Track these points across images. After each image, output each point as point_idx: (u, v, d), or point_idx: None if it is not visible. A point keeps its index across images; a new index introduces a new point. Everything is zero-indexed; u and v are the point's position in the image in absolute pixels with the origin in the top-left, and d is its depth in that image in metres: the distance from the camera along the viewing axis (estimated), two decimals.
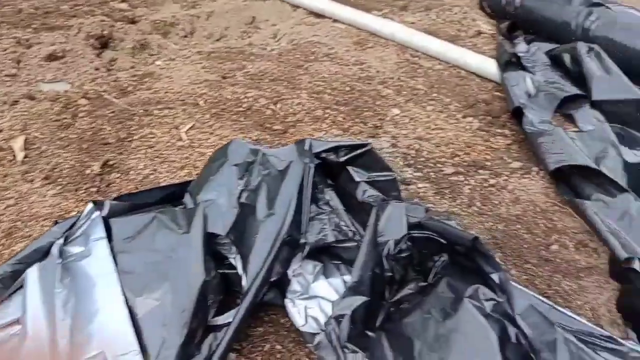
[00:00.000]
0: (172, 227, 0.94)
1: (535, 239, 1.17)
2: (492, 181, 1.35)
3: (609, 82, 1.51)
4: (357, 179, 1.02)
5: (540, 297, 0.95)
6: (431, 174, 1.38)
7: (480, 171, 1.39)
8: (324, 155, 1.03)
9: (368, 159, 1.04)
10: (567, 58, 1.66)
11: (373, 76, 1.80)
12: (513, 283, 0.95)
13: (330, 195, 1.03)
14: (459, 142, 1.49)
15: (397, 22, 2.07)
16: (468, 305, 0.78)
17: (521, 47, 1.85)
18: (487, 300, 0.79)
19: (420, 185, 1.34)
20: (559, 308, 0.93)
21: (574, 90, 1.56)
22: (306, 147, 1.01)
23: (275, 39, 2.09)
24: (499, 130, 1.56)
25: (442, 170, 1.39)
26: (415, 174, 1.38)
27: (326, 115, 1.59)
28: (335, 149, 1.03)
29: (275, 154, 1.03)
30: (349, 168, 1.03)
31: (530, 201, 1.28)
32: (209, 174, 1.02)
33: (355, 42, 2.00)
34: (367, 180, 1.02)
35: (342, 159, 1.03)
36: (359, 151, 1.03)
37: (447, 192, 1.32)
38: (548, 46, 1.78)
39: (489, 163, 1.42)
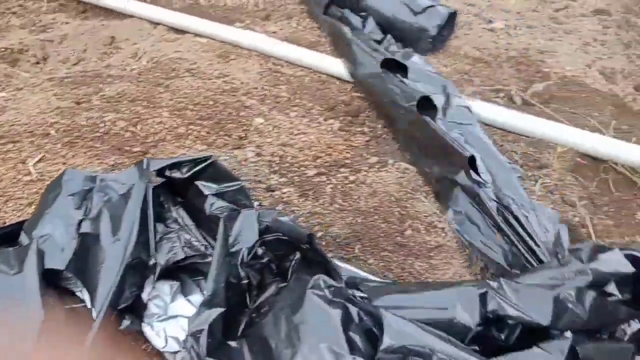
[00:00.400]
0: (2, 269, 0.87)
1: (391, 227, 1.25)
2: (352, 178, 1.42)
3: None
4: (205, 192, 1.02)
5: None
6: (295, 178, 1.42)
7: (342, 170, 1.46)
8: (167, 173, 1.01)
9: (214, 171, 1.05)
10: None
11: (237, 88, 1.81)
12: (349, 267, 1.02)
13: (178, 212, 1.02)
14: (321, 144, 1.55)
15: (259, 33, 2.10)
16: (310, 296, 0.81)
17: None
18: (327, 287, 0.82)
19: (285, 190, 1.37)
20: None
21: None
22: (145, 167, 0.99)
23: (135, 58, 2.02)
24: (359, 129, 1.65)
25: (306, 173, 1.43)
26: (280, 179, 1.41)
27: (189, 132, 1.57)
28: (177, 165, 1.02)
29: (116, 179, 1.00)
30: (198, 183, 1.03)
31: (386, 192, 1.36)
32: (44, 207, 0.96)
33: (218, 55, 2.00)
34: (216, 192, 1.02)
35: (187, 174, 1.02)
36: (202, 165, 1.03)
37: (311, 194, 1.36)
38: None
39: (349, 161, 1.49)
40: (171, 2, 2.41)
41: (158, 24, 2.22)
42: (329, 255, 1.10)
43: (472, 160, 1.23)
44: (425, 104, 1.47)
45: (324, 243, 1.21)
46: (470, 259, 1.17)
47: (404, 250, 1.19)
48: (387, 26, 2.09)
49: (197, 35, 2.13)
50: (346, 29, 1.97)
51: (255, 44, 2.00)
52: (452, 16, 2.26)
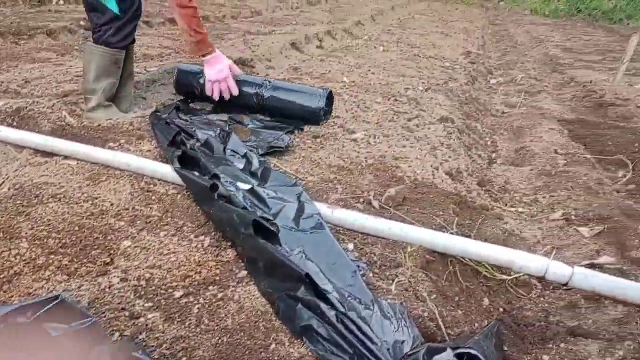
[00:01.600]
0: None
1: (256, 343, 1.28)
2: (220, 295, 1.45)
3: None
4: (52, 335, 0.99)
5: None
6: (162, 301, 1.41)
7: (210, 287, 1.48)
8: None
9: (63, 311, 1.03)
10: None
11: (106, 210, 1.81)
12: None
13: None
14: (190, 263, 1.58)
15: (130, 153, 2.15)
16: None
17: None
18: None
19: (150, 315, 1.35)
20: None
21: None
22: None
23: None
24: (229, 243, 1.71)
25: (173, 295, 1.44)
26: (145, 304, 1.39)
27: (50, 262, 1.51)
28: (20, 310, 0.99)
29: None
30: (45, 326, 1.00)
31: (252, 307, 1.40)
32: None
33: (87, 178, 2.00)
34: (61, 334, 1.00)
35: (31, 319, 0.99)
36: (49, 306, 1.01)
37: (177, 317, 1.36)
38: None
39: (218, 277, 1.53)
40: (39, 124, 2.40)
41: (24, 147, 2.19)
42: None
43: (308, 276, 1.34)
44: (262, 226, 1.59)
45: None
46: None
47: None
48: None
49: (66, 157, 2.12)
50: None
51: (127, 163, 2.04)
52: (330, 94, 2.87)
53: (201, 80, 2.80)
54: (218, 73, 2.67)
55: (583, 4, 12.31)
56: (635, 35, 4.11)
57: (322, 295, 1.31)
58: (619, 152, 3.24)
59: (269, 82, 2.84)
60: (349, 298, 1.35)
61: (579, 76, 5.28)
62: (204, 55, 2.60)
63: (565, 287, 1.72)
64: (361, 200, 2.04)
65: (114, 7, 2.40)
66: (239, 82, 2.78)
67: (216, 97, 2.76)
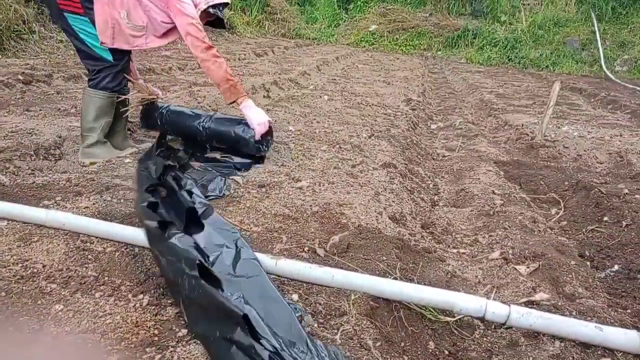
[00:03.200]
0: None
1: None
2: (157, 357, 1.39)
3: None
4: None
5: None
6: None
7: (147, 349, 1.42)
8: None
9: None
10: None
11: (38, 272, 1.72)
12: None
13: None
14: (127, 324, 1.51)
15: (65, 211, 2.08)
16: None
17: None
18: None
19: None
20: None
21: None
22: None
23: None
24: (170, 300, 1.65)
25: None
26: None
27: None
28: None
29: None
30: None
31: None
32: None
33: (18, 239, 1.90)
34: None
35: None
36: None
37: None
38: None
39: (157, 338, 1.47)
40: None
41: None
42: None
43: (246, 318, 1.33)
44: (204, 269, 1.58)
45: None
46: None
47: None
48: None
49: None
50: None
51: (60, 222, 1.96)
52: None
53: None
54: (262, 116, 2.91)
55: (513, 53, 13.28)
56: (557, 82, 4.46)
57: (257, 337, 1.30)
58: (551, 191, 3.44)
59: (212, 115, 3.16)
60: (285, 340, 1.34)
61: (512, 120, 5.63)
62: (239, 100, 2.84)
63: (505, 326, 1.77)
64: (306, 249, 2.05)
65: (108, 56, 2.74)
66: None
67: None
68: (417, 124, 5.22)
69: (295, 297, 1.72)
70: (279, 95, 5.96)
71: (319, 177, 2.92)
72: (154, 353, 1.40)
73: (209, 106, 4.50)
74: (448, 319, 1.84)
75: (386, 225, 2.41)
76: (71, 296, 1.61)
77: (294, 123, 4.30)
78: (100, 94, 2.79)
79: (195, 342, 1.46)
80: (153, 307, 1.60)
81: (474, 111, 6.52)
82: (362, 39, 15.08)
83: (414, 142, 4.37)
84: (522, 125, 5.29)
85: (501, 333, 1.80)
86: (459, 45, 14.38)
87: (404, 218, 2.65)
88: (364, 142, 3.85)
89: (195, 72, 6.63)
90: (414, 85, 7.68)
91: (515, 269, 2.20)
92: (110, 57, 2.74)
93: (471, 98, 7.60)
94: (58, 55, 6.74)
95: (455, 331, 1.83)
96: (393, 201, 2.75)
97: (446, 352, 1.75)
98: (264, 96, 5.73)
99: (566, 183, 3.53)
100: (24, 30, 6.78)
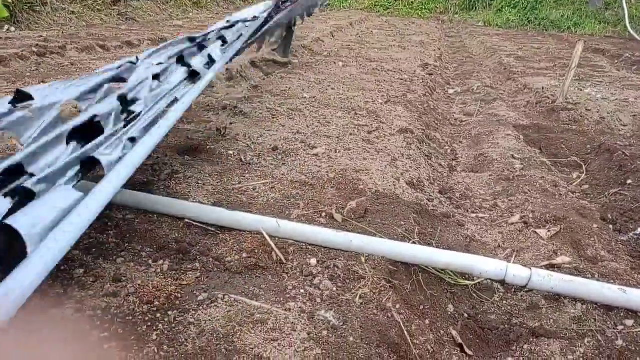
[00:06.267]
0: None
1: None
2: (180, 319, 1.41)
3: None
4: None
5: None
6: (119, 330, 1.36)
7: (170, 312, 1.44)
8: None
9: None
10: None
11: None
12: None
13: None
14: (149, 288, 1.53)
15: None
16: None
17: None
18: None
19: (106, 345, 1.30)
20: None
21: None
22: None
23: None
24: (190, 266, 1.67)
25: (132, 321, 1.39)
26: (102, 335, 1.34)
27: None
28: None
29: None
30: None
31: (213, 330, 1.37)
32: None
33: None
34: None
35: None
36: None
37: (135, 344, 1.31)
38: None
39: (178, 302, 1.49)
40: None
41: None
42: None
43: None
44: None
45: None
46: None
47: None
48: None
49: None
50: None
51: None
52: None
53: None
54: None
55: (533, 15, 12.84)
56: (580, 42, 4.30)
57: None
58: (573, 155, 3.37)
59: None
60: None
61: (532, 83, 5.48)
62: None
63: (525, 290, 1.76)
64: (323, 214, 2.04)
65: None
66: None
67: None
68: (434, 89, 5.12)
69: (313, 261, 1.72)
70: (292, 62, 5.88)
71: (335, 143, 2.89)
72: (176, 315, 1.42)
73: (223, 75, 4.45)
74: (467, 282, 1.84)
75: (404, 191, 2.39)
76: (93, 262, 1.63)
77: (308, 90, 4.25)
78: None
79: (215, 305, 1.47)
80: (173, 272, 1.62)
81: (492, 75, 6.35)
82: (377, 4, 14.72)
83: (431, 107, 4.29)
84: (543, 88, 5.15)
85: (521, 296, 1.78)
86: (476, 8, 13.96)
87: (422, 183, 2.62)
88: (380, 108, 3.79)
89: None
90: (430, 50, 7.50)
91: (536, 232, 2.17)
92: None
93: (489, 62, 7.41)
94: (71, 26, 6.72)
95: (475, 294, 1.83)
96: (410, 167, 2.71)
97: (466, 315, 1.75)
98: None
99: (588, 146, 3.44)
100: (37, 2, 6.75)
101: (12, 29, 6.12)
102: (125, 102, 1.99)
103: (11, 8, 6.16)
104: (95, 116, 1.80)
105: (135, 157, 1.61)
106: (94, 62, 4.68)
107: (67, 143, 1.68)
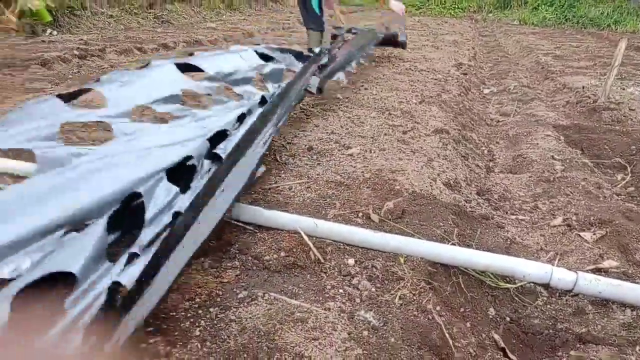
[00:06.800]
0: None
1: None
2: (221, 316, 1.43)
3: None
4: None
5: None
6: (163, 325, 1.39)
7: (211, 309, 1.46)
8: None
9: None
10: None
11: None
12: None
13: None
14: (191, 284, 1.56)
15: None
16: None
17: None
18: None
19: (151, 340, 1.33)
20: None
21: None
22: None
23: None
24: (229, 264, 1.69)
25: (176, 317, 1.41)
26: (146, 329, 1.37)
27: None
28: None
29: None
30: None
31: (254, 327, 1.37)
32: None
33: None
34: None
35: None
36: None
37: (179, 340, 1.33)
38: None
39: (219, 299, 1.51)
40: None
41: None
42: None
43: None
44: None
45: None
46: None
47: None
48: None
49: None
50: None
51: None
52: None
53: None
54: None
55: (571, 12, 12.49)
56: (623, 40, 4.15)
57: None
58: (616, 156, 3.25)
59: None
60: None
61: (571, 82, 5.32)
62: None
63: (571, 294, 1.70)
64: (360, 214, 2.03)
65: (317, 8, 4.61)
66: None
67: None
68: (469, 89, 5.03)
69: (350, 261, 1.71)
70: None
71: (370, 143, 2.87)
72: (217, 312, 1.44)
73: None
74: (509, 285, 1.79)
75: (441, 192, 2.35)
76: None
77: (341, 90, 4.24)
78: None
79: (255, 303, 1.48)
80: (214, 270, 1.64)
81: (529, 74, 6.21)
82: (408, 3, 14.58)
83: (467, 107, 4.22)
84: (583, 87, 4.99)
85: (566, 300, 1.73)
86: (511, 6, 13.67)
87: (459, 184, 2.58)
88: (415, 108, 3.75)
89: (241, 43, 6.63)
90: (464, 49, 7.38)
91: (580, 235, 2.10)
92: (317, 9, 4.68)
93: (526, 61, 7.24)
94: (109, 30, 6.91)
95: (517, 298, 1.78)
96: (447, 167, 2.67)
97: (507, 319, 1.71)
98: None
99: (633, 147, 3.32)
100: (77, 6, 6.97)
101: (55, 32, 6.35)
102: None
103: (54, 12, 6.38)
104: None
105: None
106: (132, 65, 4.79)
107: None
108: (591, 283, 1.59)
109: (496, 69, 6.63)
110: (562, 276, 1.61)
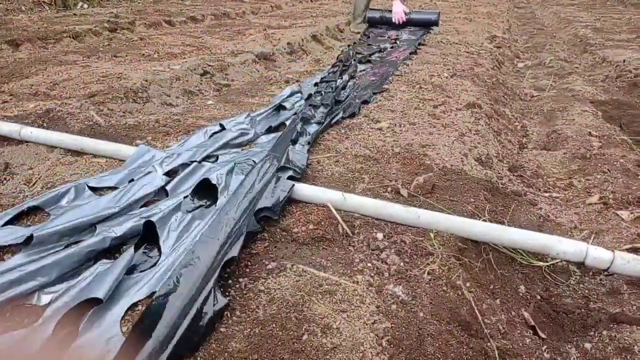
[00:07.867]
0: None
1: (288, 334, 1.26)
2: (250, 286, 1.44)
3: None
4: None
5: None
6: None
7: (241, 279, 1.48)
8: None
9: None
10: None
11: None
12: None
13: None
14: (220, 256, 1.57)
15: (157, 148, 2.17)
16: None
17: None
18: None
19: None
20: None
21: None
22: None
23: (29, 184, 1.99)
24: (258, 235, 1.70)
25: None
26: None
27: None
28: None
29: None
30: None
31: (283, 298, 1.39)
32: None
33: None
34: None
35: None
36: None
37: None
38: None
39: (248, 269, 1.52)
40: (68, 124, 2.44)
41: (55, 147, 2.22)
42: None
43: None
44: None
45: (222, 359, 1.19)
46: None
47: (300, 357, 1.20)
48: None
49: (95, 156, 2.15)
50: None
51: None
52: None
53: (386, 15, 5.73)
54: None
55: None
56: None
57: None
58: None
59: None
60: None
61: (611, 56, 5.09)
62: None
63: (606, 273, 1.66)
64: (389, 189, 2.01)
65: None
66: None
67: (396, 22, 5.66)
68: (503, 63, 4.87)
69: (379, 235, 1.70)
70: (351, 35, 5.78)
71: (399, 118, 2.82)
72: (247, 282, 1.46)
73: (284, 49, 4.45)
74: (541, 263, 1.76)
75: (472, 167, 2.30)
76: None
77: None
78: None
79: (284, 274, 1.49)
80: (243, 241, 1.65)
81: (566, 48, 5.96)
82: None
83: (500, 81, 4.09)
84: (624, 61, 4.77)
85: (600, 280, 1.69)
86: None
87: (491, 160, 2.51)
88: (446, 81, 3.65)
89: (269, 15, 6.56)
90: (498, 22, 7.13)
91: (617, 214, 2.03)
92: None
93: (563, 34, 6.95)
94: (139, 3, 6.92)
95: (548, 276, 1.75)
96: (479, 143, 2.61)
97: (538, 297, 1.68)
98: (337, 38, 5.58)
99: None
100: None
101: (85, 5, 6.41)
102: None
103: None
104: None
105: None
106: (161, 37, 4.81)
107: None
108: (629, 263, 1.54)
109: (531, 42, 6.39)
110: (597, 255, 1.56)
